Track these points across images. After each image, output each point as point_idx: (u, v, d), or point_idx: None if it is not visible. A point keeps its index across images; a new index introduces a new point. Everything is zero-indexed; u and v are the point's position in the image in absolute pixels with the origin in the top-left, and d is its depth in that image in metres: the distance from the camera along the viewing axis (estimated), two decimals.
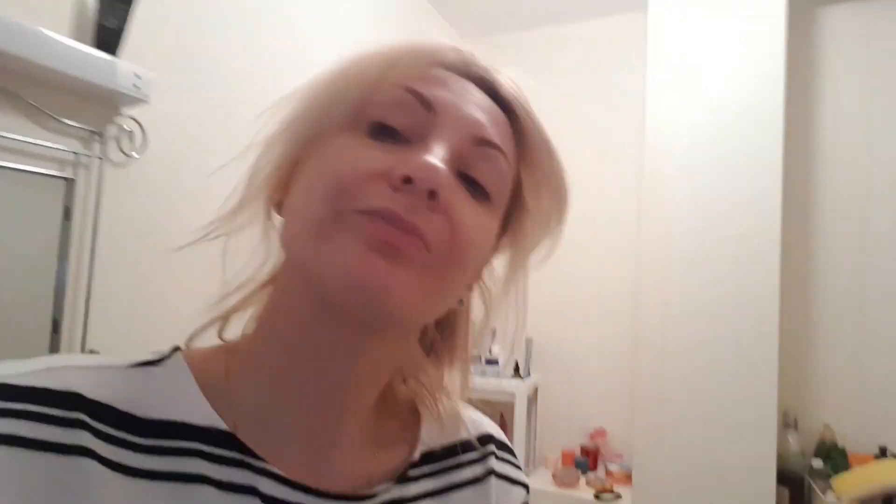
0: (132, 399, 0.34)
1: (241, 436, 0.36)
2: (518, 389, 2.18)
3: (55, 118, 1.12)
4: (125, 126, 1.25)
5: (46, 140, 1.11)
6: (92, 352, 1.17)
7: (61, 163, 1.15)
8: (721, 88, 1.98)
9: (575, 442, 2.36)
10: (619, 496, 2.05)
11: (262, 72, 1.56)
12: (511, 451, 0.51)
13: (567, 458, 2.28)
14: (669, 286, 1.99)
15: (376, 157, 0.34)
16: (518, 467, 0.51)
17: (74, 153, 1.16)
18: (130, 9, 1.19)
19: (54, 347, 1.12)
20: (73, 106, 1.16)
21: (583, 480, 2.17)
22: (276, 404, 0.38)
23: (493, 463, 0.48)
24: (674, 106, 2.03)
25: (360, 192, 0.33)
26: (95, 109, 1.20)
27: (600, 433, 2.32)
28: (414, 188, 0.33)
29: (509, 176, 0.39)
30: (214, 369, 0.38)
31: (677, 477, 1.92)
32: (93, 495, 0.31)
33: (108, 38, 1.17)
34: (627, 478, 2.10)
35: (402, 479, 0.42)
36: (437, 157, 0.34)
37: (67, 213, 1.15)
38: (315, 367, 0.37)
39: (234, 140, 0.40)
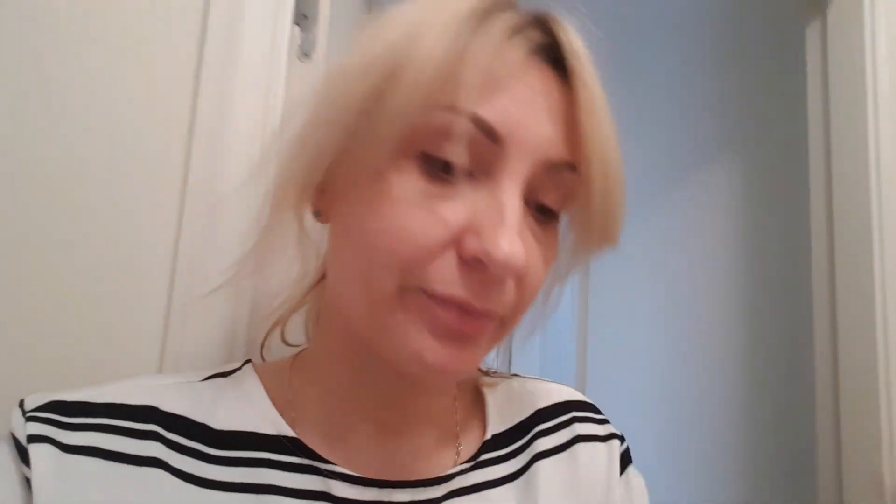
0: (206, 410, 0.36)
1: (309, 443, 0.37)
2: None
3: None
4: None
5: None
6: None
7: None
8: None
9: None
10: None
11: None
12: (592, 408, 0.48)
13: None
14: None
15: (441, 218, 0.30)
16: (602, 422, 0.47)
17: None
18: None
19: None
20: None
21: None
22: (340, 416, 0.38)
23: (578, 427, 0.45)
24: None
25: (428, 268, 0.30)
26: None
27: None
28: (488, 273, 0.30)
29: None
30: (281, 380, 0.40)
31: None
32: None
33: None
34: None
35: (476, 463, 0.40)
36: (511, 210, 0.30)
37: None
38: (374, 390, 0.38)
39: None
